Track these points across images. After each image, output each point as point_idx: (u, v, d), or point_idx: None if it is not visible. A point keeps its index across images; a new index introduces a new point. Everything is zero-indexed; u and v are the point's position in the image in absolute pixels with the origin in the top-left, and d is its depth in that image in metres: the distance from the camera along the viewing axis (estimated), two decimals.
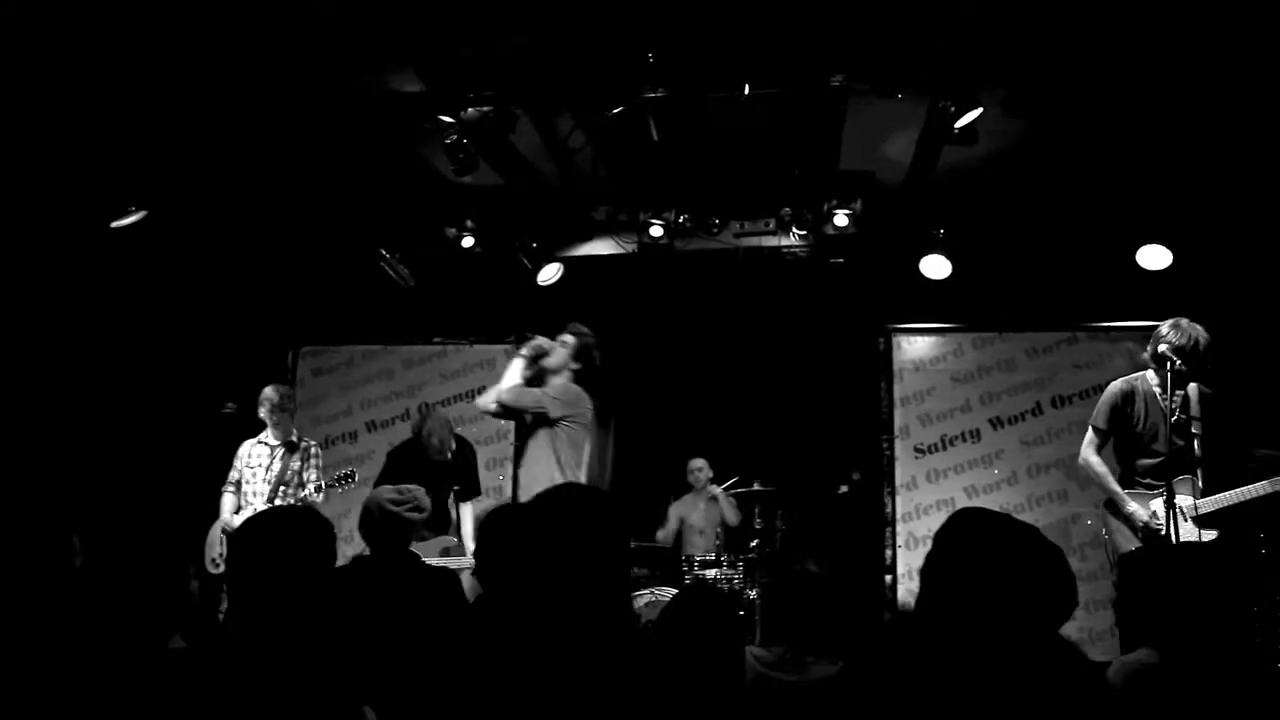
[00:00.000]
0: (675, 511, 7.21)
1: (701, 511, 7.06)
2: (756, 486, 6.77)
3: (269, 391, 5.75)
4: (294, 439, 5.81)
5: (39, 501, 5.60)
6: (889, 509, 6.67)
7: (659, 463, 7.56)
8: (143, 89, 5.12)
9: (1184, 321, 4.35)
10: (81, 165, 5.76)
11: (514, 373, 4.83)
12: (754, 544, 6.61)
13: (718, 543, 6.79)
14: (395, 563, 3.37)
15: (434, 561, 5.43)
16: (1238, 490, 4.23)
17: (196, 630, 2.29)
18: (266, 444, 5.79)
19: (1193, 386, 4.34)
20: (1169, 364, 4.20)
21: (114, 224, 5.94)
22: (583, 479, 5.17)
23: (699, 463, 7.17)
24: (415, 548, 5.36)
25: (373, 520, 3.46)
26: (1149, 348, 4.47)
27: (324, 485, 5.62)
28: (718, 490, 6.93)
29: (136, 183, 6.01)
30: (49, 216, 6.03)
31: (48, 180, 5.80)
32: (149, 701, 1.94)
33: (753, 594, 6.09)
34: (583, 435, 4.84)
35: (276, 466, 5.69)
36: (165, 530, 5.88)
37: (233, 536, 2.19)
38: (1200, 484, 4.29)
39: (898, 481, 6.69)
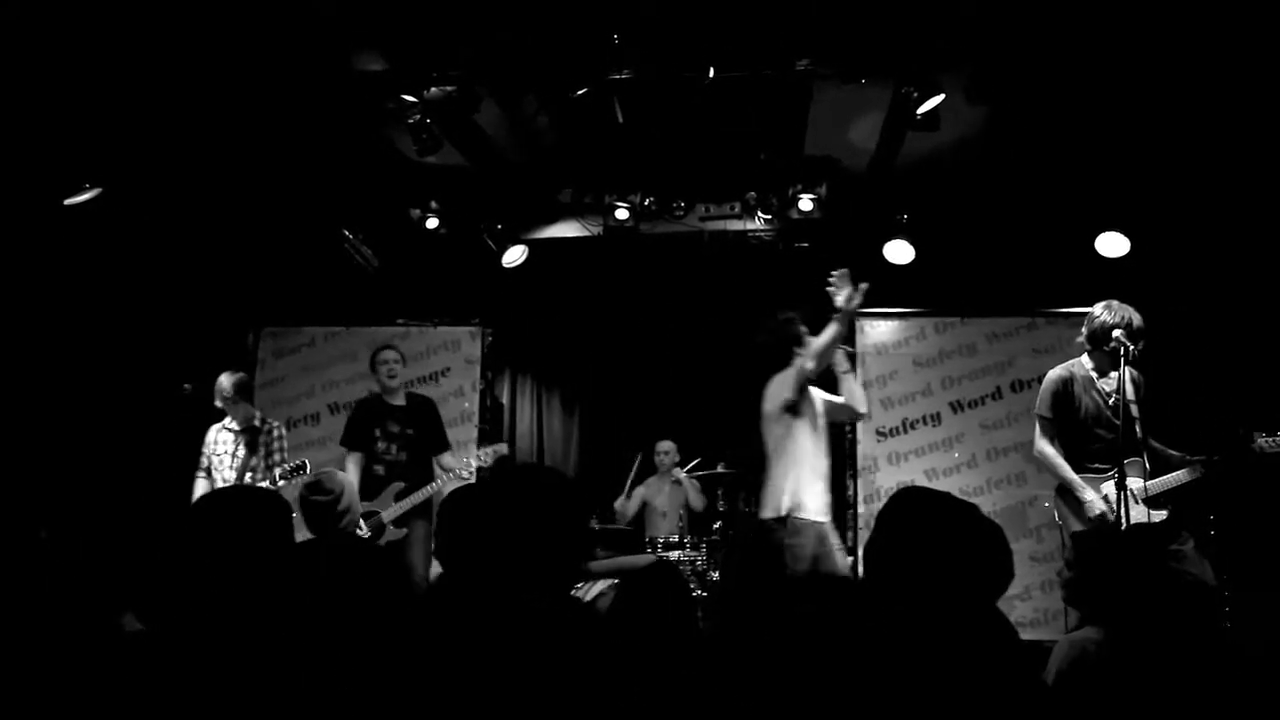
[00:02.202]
0: (640, 493, 7.24)
1: (666, 494, 7.09)
2: (720, 469, 6.82)
3: (222, 381, 5.67)
4: (256, 422, 5.75)
5: None
6: (850, 491, 6.72)
7: (625, 445, 7.57)
8: (99, 63, 5.02)
9: (1115, 303, 4.42)
10: (33, 140, 5.63)
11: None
12: (717, 526, 6.67)
13: (681, 525, 6.83)
14: (321, 547, 3.34)
15: (393, 510, 5.49)
16: (1180, 472, 4.33)
17: (152, 610, 2.27)
18: (230, 429, 5.75)
19: (1125, 370, 4.40)
20: (1123, 348, 4.26)
21: (68, 201, 5.83)
22: None
23: (666, 445, 7.19)
24: (374, 503, 5.47)
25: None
26: (1084, 330, 4.54)
27: (278, 476, 5.54)
28: (682, 474, 6.96)
29: (92, 159, 5.89)
30: None
31: None
32: (102, 680, 1.92)
33: (715, 575, 6.14)
34: None
35: (242, 451, 5.66)
36: (123, 510, 5.80)
37: (188, 516, 2.17)
38: (1147, 465, 4.36)
39: (859, 464, 6.73)
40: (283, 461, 5.67)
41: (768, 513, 4.30)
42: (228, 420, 5.76)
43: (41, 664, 2.06)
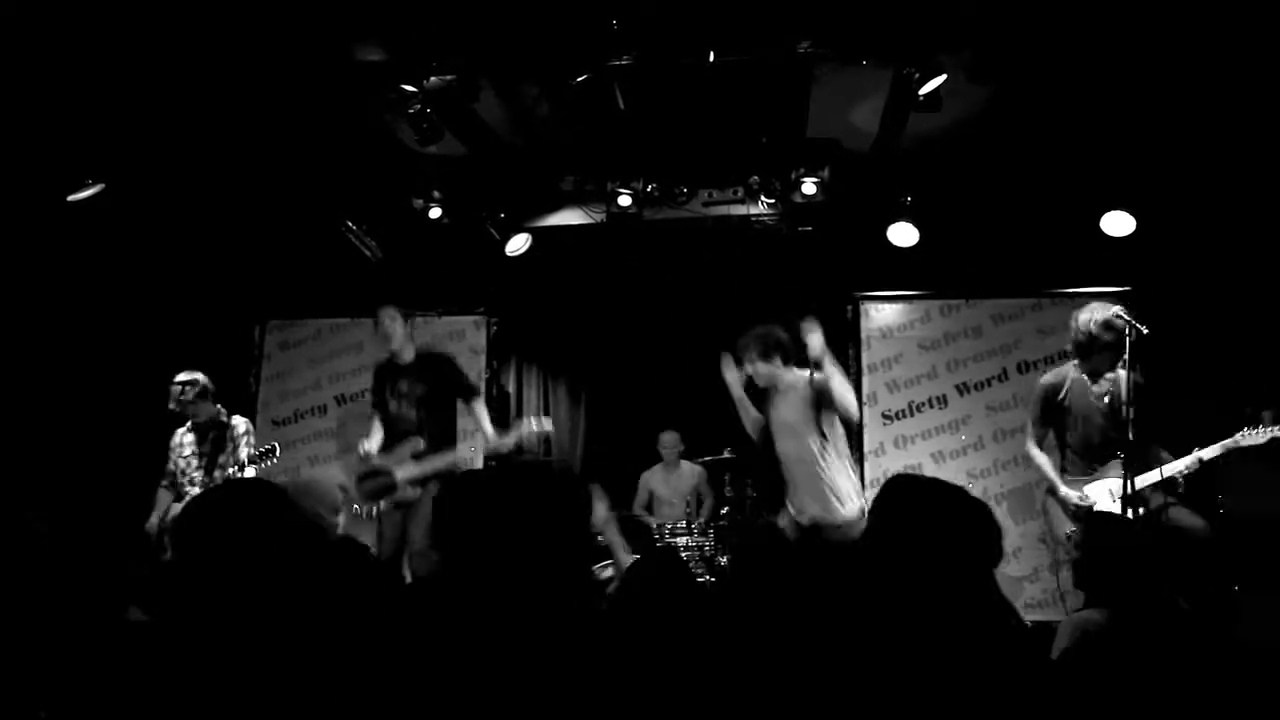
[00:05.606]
0: (644, 482, 7.26)
1: (671, 483, 7.13)
2: (727, 454, 6.82)
3: (184, 379, 5.52)
4: (222, 419, 5.64)
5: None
6: (857, 475, 6.70)
7: (629, 433, 7.59)
8: (100, 59, 5.02)
9: (1086, 306, 4.56)
10: (37, 135, 5.64)
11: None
12: (724, 511, 6.67)
13: (688, 511, 6.85)
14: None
15: (406, 469, 5.06)
16: (1158, 470, 4.32)
17: (155, 603, 2.28)
18: (194, 430, 5.65)
19: (1123, 373, 4.42)
20: (1126, 330, 4.27)
21: (70, 197, 5.84)
22: None
23: (670, 438, 7.20)
24: (386, 458, 5.13)
25: None
26: (1070, 344, 4.61)
27: (245, 463, 5.45)
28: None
29: (94, 155, 5.90)
30: (1, 190, 5.90)
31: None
32: (109, 672, 1.94)
33: (724, 560, 6.15)
34: None
35: (208, 450, 5.55)
36: (125, 505, 5.82)
37: (183, 512, 2.17)
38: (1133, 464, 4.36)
39: (866, 448, 6.72)
40: (246, 457, 5.52)
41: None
42: (190, 422, 5.65)
43: (49, 653, 2.08)
